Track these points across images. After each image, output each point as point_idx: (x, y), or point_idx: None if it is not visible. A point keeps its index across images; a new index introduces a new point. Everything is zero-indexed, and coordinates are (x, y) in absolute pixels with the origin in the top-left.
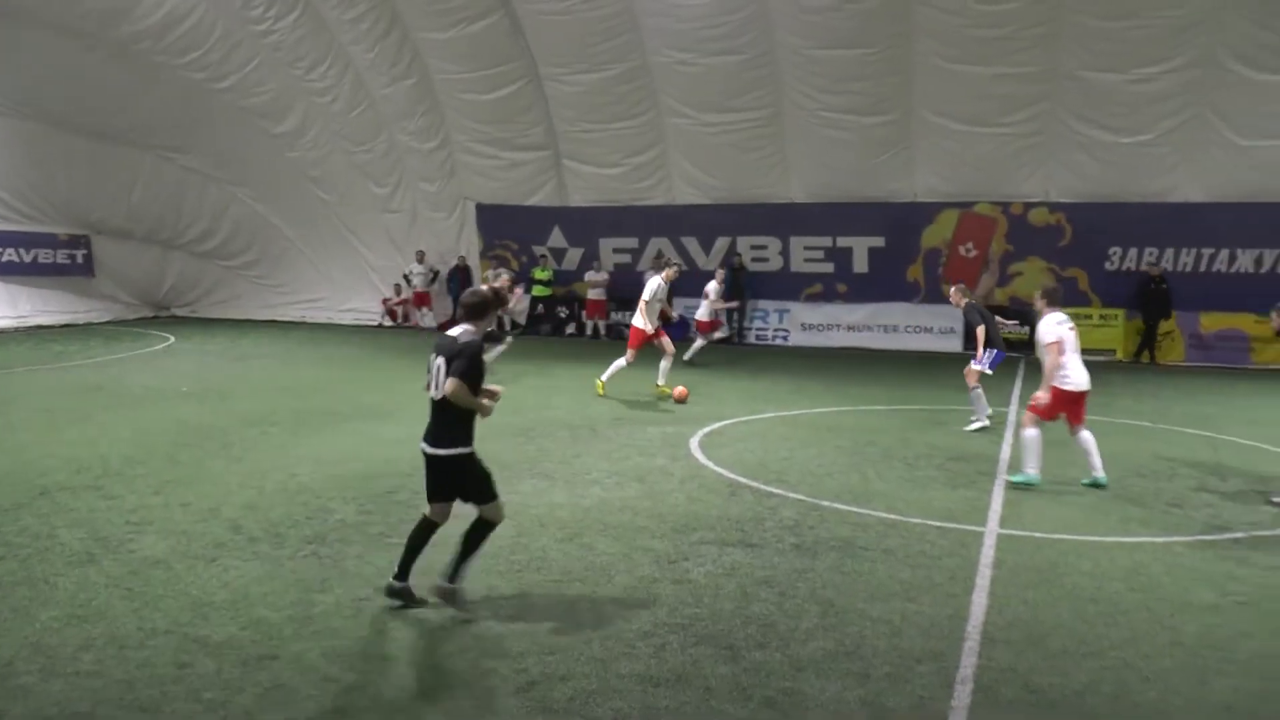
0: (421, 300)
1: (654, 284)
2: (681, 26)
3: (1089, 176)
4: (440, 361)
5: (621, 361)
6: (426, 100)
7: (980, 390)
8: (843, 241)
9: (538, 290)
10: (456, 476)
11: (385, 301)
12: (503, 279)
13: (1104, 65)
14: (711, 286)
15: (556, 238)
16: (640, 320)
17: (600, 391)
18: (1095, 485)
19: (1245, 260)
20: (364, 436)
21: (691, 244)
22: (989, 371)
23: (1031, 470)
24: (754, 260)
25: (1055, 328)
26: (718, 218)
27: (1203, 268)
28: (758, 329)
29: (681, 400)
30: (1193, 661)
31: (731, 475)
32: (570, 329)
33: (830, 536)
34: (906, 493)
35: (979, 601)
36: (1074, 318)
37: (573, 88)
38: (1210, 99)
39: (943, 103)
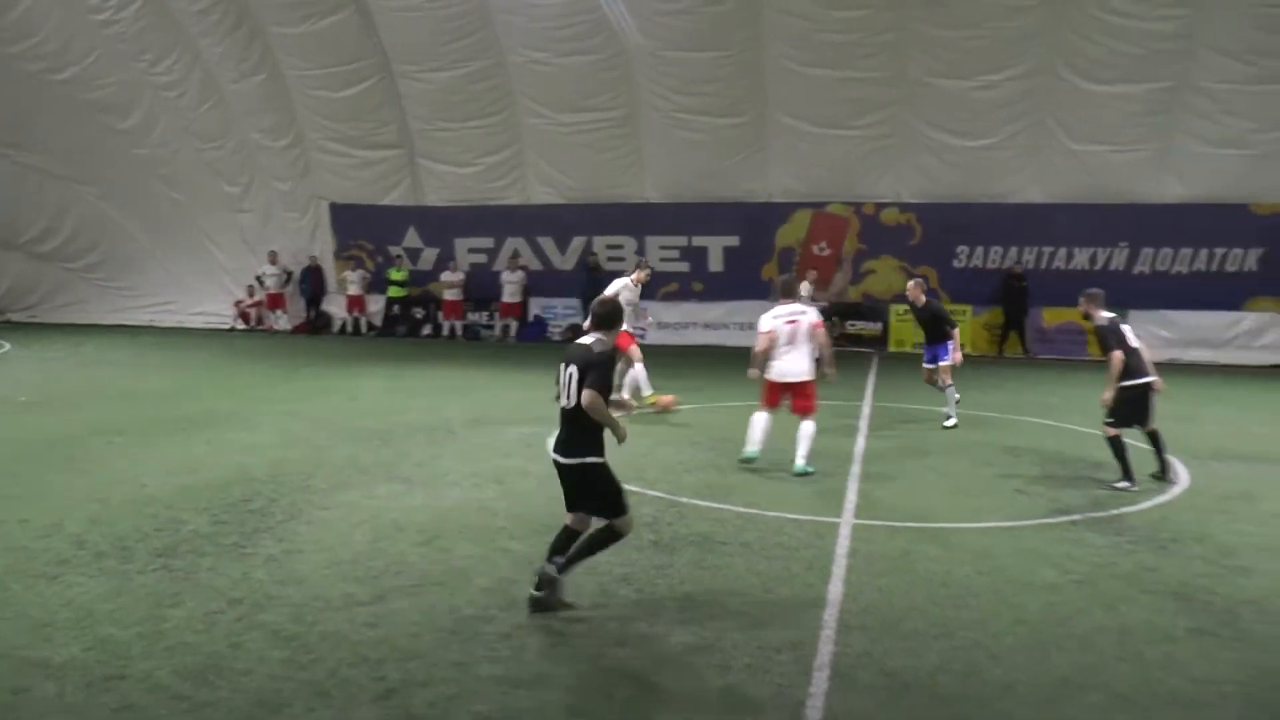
0: (275, 302)
1: (618, 285)
2: (535, 25)
3: (937, 178)
4: (573, 370)
5: (639, 368)
6: (278, 96)
7: (953, 387)
8: (698, 241)
9: (393, 291)
10: (586, 487)
11: (238, 304)
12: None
13: (949, 72)
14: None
15: (412, 238)
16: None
17: (651, 401)
18: (801, 474)
19: (1082, 258)
20: (217, 445)
21: (547, 244)
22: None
23: (751, 448)
24: (609, 260)
25: (769, 320)
26: (574, 217)
27: (1044, 265)
28: None
29: (668, 409)
30: (1035, 638)
31: None
32: (426, 330)
33: (689, 532)
34: (764, 487)
35: (835, 590)
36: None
37: (427, 85)
38: (1048, 106)
39: (796, 105)
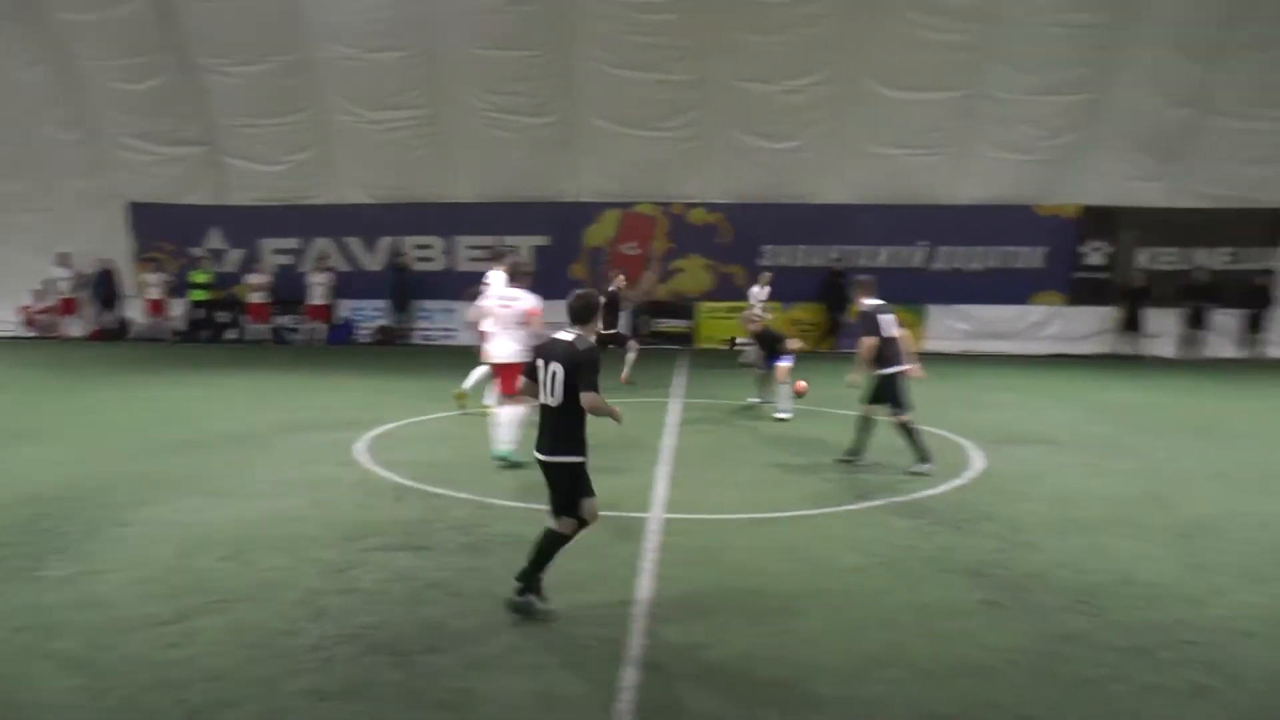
0: (68, 308)
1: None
2: (343, 20)
3: (744, 179)
4: (557, 369)
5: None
6: (72, 88)
7: (787, 386)
8: (509, 240)
9: (196, 294)
10: (556, 482)
11: (26, 309)
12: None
13: (754, 76)
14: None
15: (216, 238)
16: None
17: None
18: (503, 459)
19: (884, 255)
20: (4, 461)
21: (355, 244)
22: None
23: (504, 445)
24: (419, 260)
25: (489, 301)
26: (383, 217)
27: (848, 262)
28: (423, 329)
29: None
30: (841, 620)
31: (400, 479)
32: (232, 334)
33: (501, 533)
34: None
35: (646, 584)
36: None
37: (233, 80)
38: (851, 111)
39: (605, 106)
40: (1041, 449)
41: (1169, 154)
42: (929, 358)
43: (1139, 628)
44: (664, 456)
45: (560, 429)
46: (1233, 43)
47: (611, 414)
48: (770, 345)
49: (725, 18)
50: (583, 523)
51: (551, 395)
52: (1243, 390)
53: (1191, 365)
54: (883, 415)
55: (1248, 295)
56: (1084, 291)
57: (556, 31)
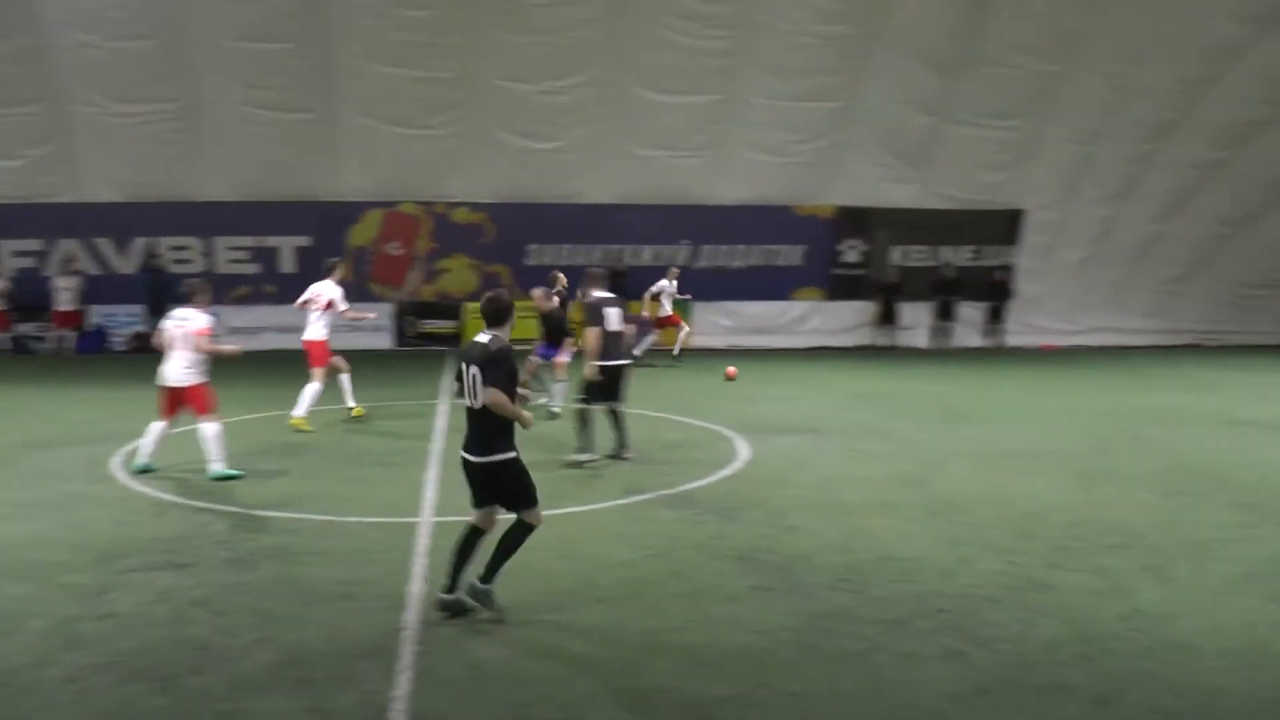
0: None
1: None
2: (85, 4)
3: (508, 178)
4: (475, 370)
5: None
6: None
7: (565, 383)
8: (269, 241)
9: None
10: (498, 483)
11: None
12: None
13: (517, 75)
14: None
15: None
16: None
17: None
18: (219, 478)
19: (648, 254)
20: None
21: (106, 245)
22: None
23: (140, 459)
24: (176, 262)
25: (167, 322)
26: (135, 216)
27: (611, 261)
28: None
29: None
30: (614, 613)
31: (159, 494)
32: None
33: (266, 546)
34: (343, 491)
35: (416, 590)
36: None
37: None
38: (615, 112)
39: (367, 102)
40: (804, 438)
41: (916, 158)
42: (695, 354)
43: (898, 600)
44: (433, 460)
45: (487, 429)
46: (969, 58)
47: (518, 416)
48: (556, 333)
49: (485, 17)
50: (528, 527)
51: (475, 397)
52: (986, 376)
53: (941, 354)
54: (608, 405)
55: (989, 289)
56: (842, 287)
57: (314, 24)
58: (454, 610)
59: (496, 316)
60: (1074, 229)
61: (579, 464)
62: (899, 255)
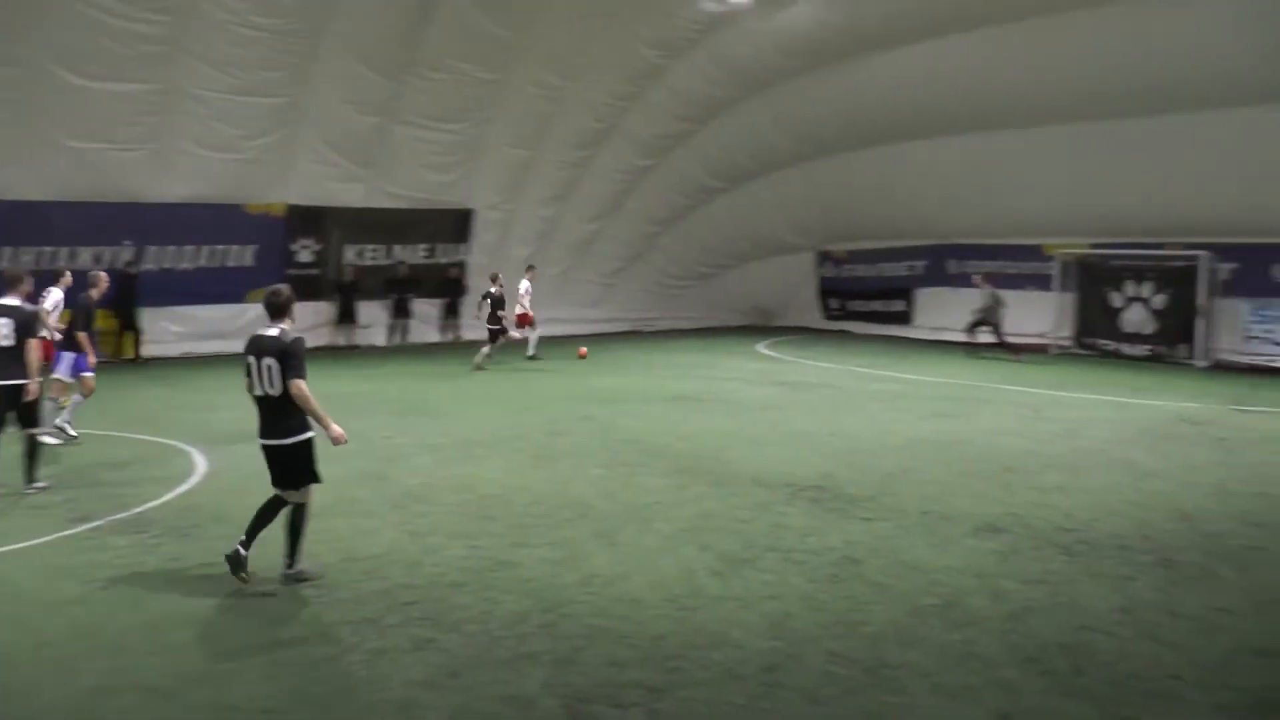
0: None
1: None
2: None
3: None
4: (270, 361)
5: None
6: None
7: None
8: None
9: None
10: (293, 463)
11: None
12: None
13: None
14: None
15: None
16: None
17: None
18: None
19: (87, 256)
20: None
21: None
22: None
23: None
24: None
25: None
26: None
27: (45, 264)
28: None
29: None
30: (62, 656)
31: None
32: None
33: None
34: None
35: None
36: None
37: None
38: (39, 99)
39: None
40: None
41: (365, 158)
42: (154, 364)
43: (365, 599)
44: None
45: (283, 414)
46: (412, 62)
47: (318, 414)
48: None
49: None
50: (302, 507)
51: (271, 386)
52: (444, 370)
53: (400, 351)
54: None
55: (444, 285)
56: (298, 288)
57: None
58: (237, 565)
59: (279, 310)
60: (520, 227)
61: (36, 490)
62: (354, 254)
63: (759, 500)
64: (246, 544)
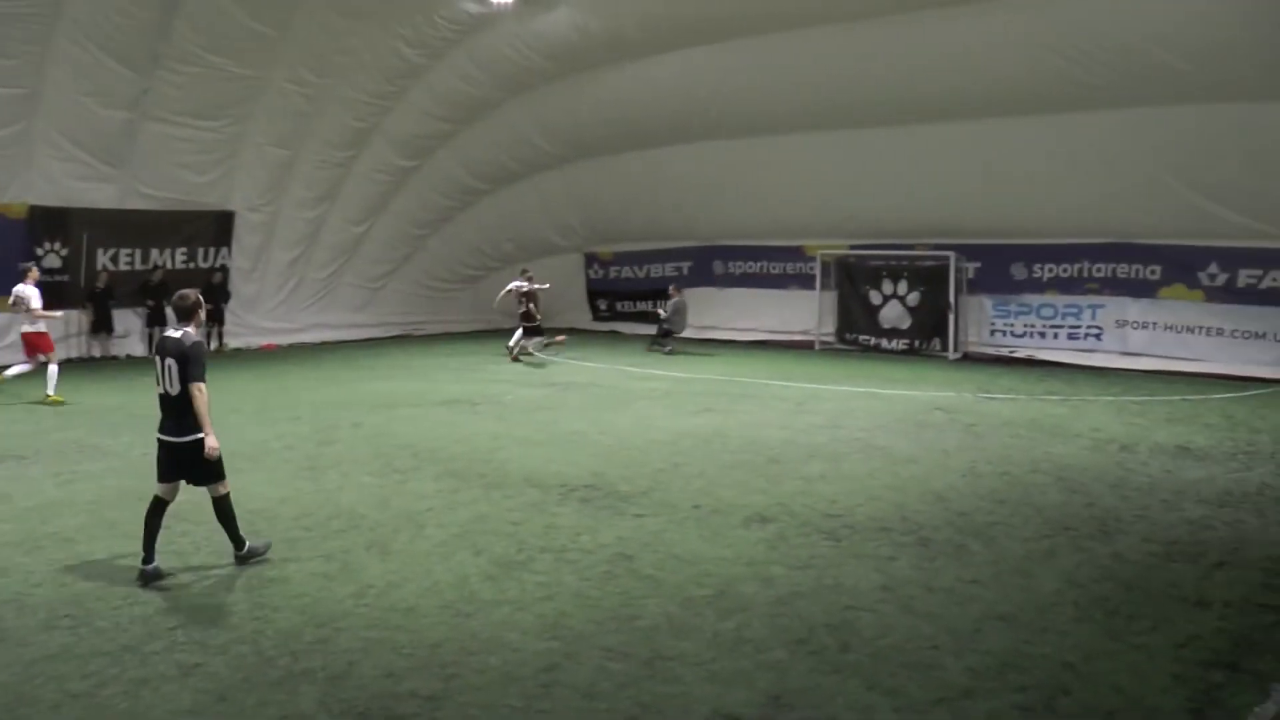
0: None
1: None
2: None
3: None
4: (171, 362)
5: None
6: None
7: None
8: None
9: None
10: (192, 460)
11: None
12: None
13: None
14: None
15: None
16: None
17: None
18: None
19: None
20: None
21: None
22: None
23: None
24: None
25: None
26: None
27: None
28: None
29: None
30: None
31: None
32: None
33: None
34: None
35: None
36: None
37: None
38: None
39: None
40: (6, 466)
41: (115, 156)
42: None
43: (125, 626)
44: None
45: (184, 412)
46: (164, 55)
47: (201, 417)
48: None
49: None
50: (224, 497)
51: (171, 385)
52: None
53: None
54: None
55: (206, 291)
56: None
57: None
58: (156, 577)
59: (186, 313)
60: (284, 230)
61: None
62: (107, 259)
63: (531, 501)
64: (149, 559)
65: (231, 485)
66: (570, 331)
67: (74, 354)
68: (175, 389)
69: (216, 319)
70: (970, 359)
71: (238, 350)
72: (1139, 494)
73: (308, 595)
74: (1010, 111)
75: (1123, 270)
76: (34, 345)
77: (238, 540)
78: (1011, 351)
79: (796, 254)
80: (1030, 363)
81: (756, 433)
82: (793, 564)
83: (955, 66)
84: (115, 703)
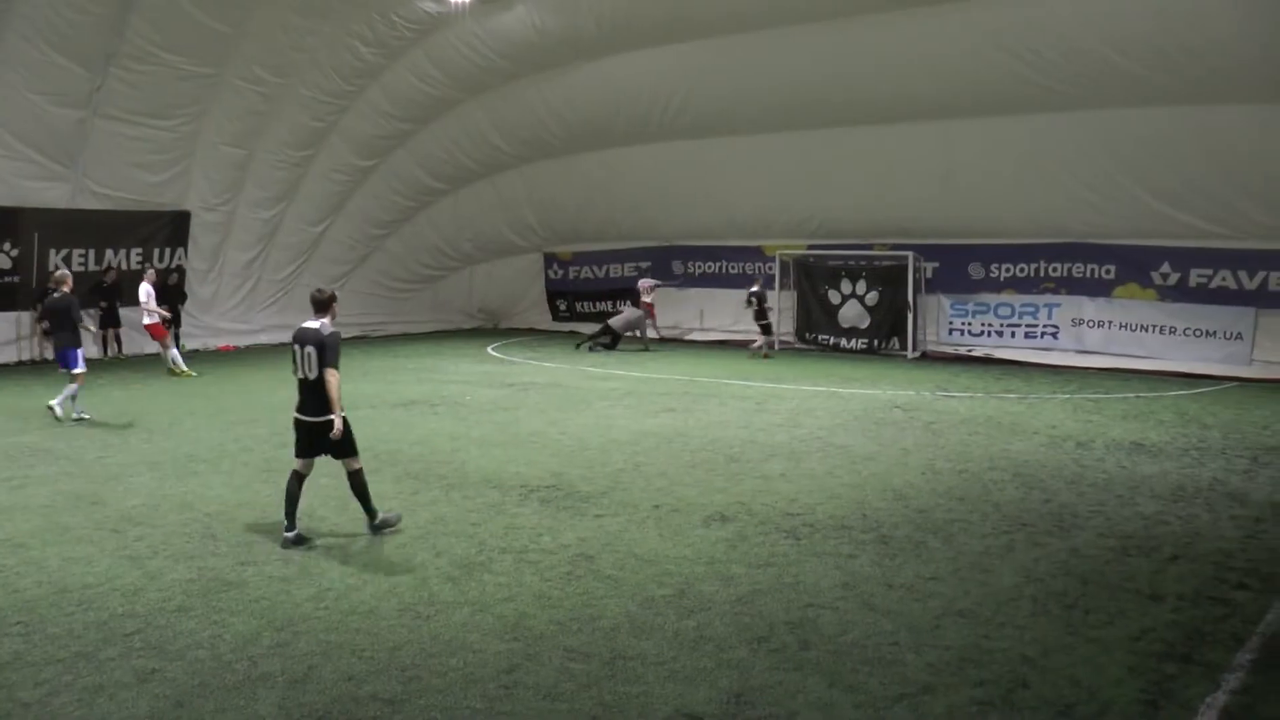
0: None
1: None
2: None
3: None
4: (311, 350)
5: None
6: None
7: None
8: None
9: None
10: (327, 437)
11: None
12: None
13: None
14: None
15: None
16: None
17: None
18: None
19: None
20: None
21: None
22: None
23: None
24: None
25: None
26: None
27: None
28: None
29: None
30: None
31: None
32: None
33: None
34: None
35: None
36: None
37: None
38: None
39: None
40: None
41: (66, 155)
42: None
43: (78, 633)
44: None
45: (321, 395)
46: (118, 52)
47: (332, 400)
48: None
49: None
50: (358, 471)
51: (310, 370)
52: (165, 383)
53: (116, 363)
54: None
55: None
56: None
57: None
58: (299, 542)
59: (323, 305)
60: (240, 230)
61: None
62: (59, 259)
63: (491, 502)
64: (290, 526)
65: (192, 489)
66: (530, 332)
67: (24, 357)
68: (314, 374)
69: (175, 322)
70: (929, 358)
71: (194, 351)
72: (1095, 490)
73: (266, 599)
74: (968, 113)
75: (1078, 270)
76: (151, 334)
77: (371, 511)
78: (969, 350)
79: (756, 254)
80: (988, 361)
81: (717, 432)
82: (753, 562)
83: (913, 68)
84: (69, 711)
